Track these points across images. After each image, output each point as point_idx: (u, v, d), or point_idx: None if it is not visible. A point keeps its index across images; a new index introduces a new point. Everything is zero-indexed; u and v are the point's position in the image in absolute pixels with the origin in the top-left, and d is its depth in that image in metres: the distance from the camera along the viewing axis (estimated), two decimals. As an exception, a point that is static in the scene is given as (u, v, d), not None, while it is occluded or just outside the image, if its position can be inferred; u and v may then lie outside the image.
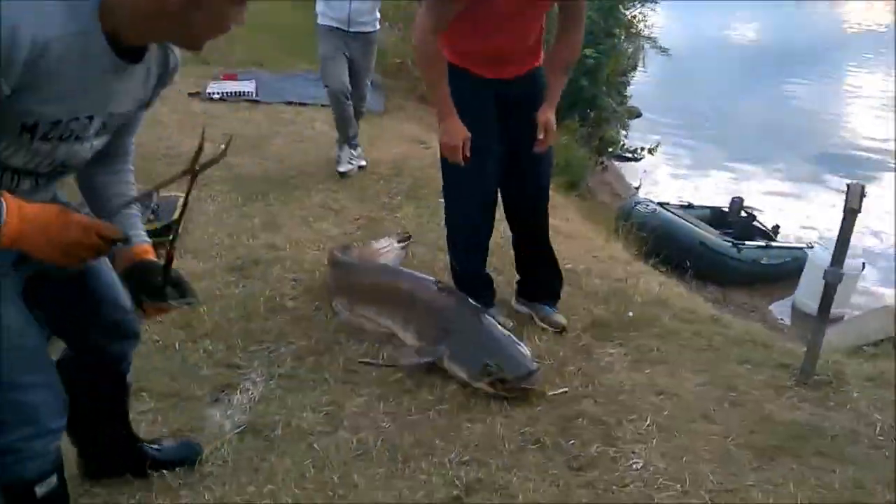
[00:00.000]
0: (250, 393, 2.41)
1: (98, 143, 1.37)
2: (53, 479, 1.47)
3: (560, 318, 2.89)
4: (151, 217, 3.50)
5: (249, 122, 5.67)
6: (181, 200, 3.76)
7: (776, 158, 11.59)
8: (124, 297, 1.66)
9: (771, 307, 6.52)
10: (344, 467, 2.08)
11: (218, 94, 6.32)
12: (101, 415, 1.81)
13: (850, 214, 2.46)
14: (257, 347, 2.65)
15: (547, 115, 2.61)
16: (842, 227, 2.49)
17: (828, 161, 11.57)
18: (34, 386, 1.40)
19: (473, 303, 2.71)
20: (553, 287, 2.96)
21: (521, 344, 2.54)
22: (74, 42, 1.17)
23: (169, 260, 1.44)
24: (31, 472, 1.42)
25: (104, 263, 1.60)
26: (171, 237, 1.52)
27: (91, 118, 1.29)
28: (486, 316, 2.66)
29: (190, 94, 6.33)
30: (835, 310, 6.26)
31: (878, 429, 2.38)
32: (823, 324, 2.61)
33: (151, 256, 1.53)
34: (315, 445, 2.17)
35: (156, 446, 2.02)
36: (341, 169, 4.54)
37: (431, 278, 2.90)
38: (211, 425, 2.24)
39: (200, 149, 1.36)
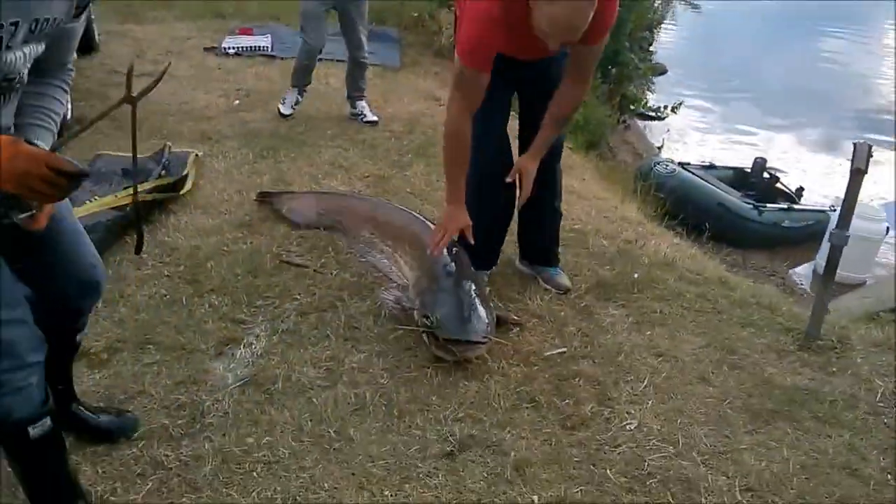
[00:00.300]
0: (253, 347, 2.45)
1: (29, 51, 1.34)
2: (47, 422, 1.51)
3: (564, 280, 2.88)
4: (163, 173, 3.54)
5: (263, 77, 5.65)
6: (191, 157, 3.77)
7: (806, 119, 11.31)
8: (94, 251, 1.70)
9: (791, 272, 6.42)
10: (341, 421, 2.13)
11: (233, 48, 6.28)
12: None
13: (856, 175, 2.42)
14: (262, 303, 2.68)
15: (526, 163, 2.55)
16: (848, 188, 2.45)
17: (859, 123, 11.25)
18: (10, 322, 1.42)
19: (464, 260, 2.66)
20: (552, 253, 2.95)
21: (483, 314, 2.40)
22: None
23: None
24: (18, 411, 1.46)
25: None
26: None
27: (16, 24, 1.26)
28: (468, 277, 2.58)
29: (205, 49, 6.31)
30: (856, 275, 6.30)
31: (878, 395, 2.37)
32: (828, 287, 2.59)
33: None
34: (314, 399, 2.21)
35: (94, 415, 2.01)
36: (284, 111, 4.69)
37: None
38: (214, 378, 2.29)
39: (130, 74, 1.34)
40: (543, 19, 2.07)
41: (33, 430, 1.48)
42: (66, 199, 1.51)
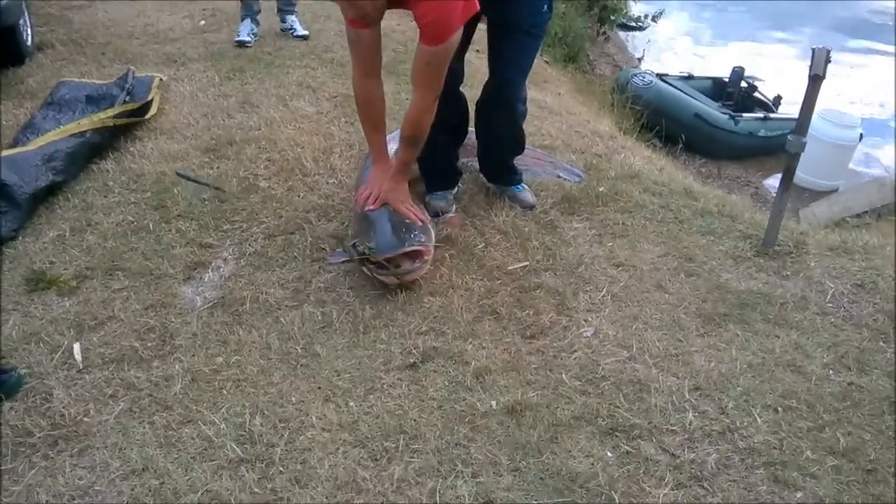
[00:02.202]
0: (221, 270, 2.49)
1: None
2: None
3: (528, 197, 2.91)
4: (127, 98, 3.49)
5: (230, -4, 5.49)
6: (156, 81, 3.72)
7: (795, 26, 11.11)
8: None
9: (765, 181, 6.47)
10: (307, 338, 2.20)
11: (198, -34, 6.07)
12: None
13: (814, 81, 2.42)
14: (229, 227, 2.71)
15: (386, 190, 2.45)
16: (806, 95, 2.46)
17: (850, 28, 11.09)
18: None
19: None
20: (514, 171, 2.94)
21: (416, 227, 2.40)
22: None
23: None
24: None
25: None
26: None
27: None
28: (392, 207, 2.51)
29: (169, -32, 6.11)
30: (829, 182, 6.35)
31: (828, 296, 2.45)
32: (785, 193, 2.63)
33: None
34: (281, 319, 2.27)
35: None
36: (243, 39, 4.50)
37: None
38: (182, 301, 2.34)
39: None
40: None
41: None
42: None
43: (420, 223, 2.44)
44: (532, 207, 2.88)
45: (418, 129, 2.37)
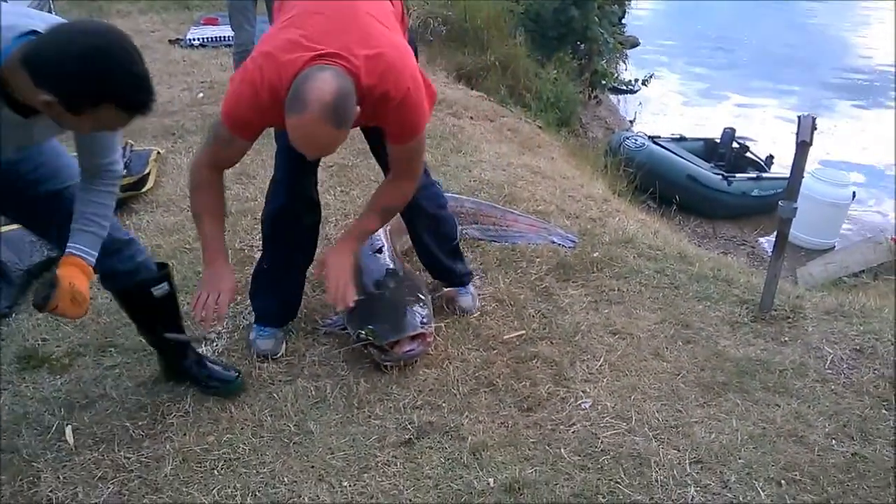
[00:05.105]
0: (215, 345, 2.47)
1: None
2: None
3: (466, 302, 2.64)
4: (124, 172, 3.52)
5: (228, 68, 5.58)
6: (153, 154, 3.77)
7: (784, 86, 11.34)
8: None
9: (761, 240, 6.51)
10: (301, 415, 2.16)
11: (198, 40, 6.23)
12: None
13: (802, 147, 2.45)
14: (224, 300, 2.69)
15: (328, 255, 2.12)
16: (794, 161, 2.48)
17: (838, 87, 11.33)
18: None
19: (388, 264, 2.59)
20: (454, 273, 2.65)
21: (417, 307, 2.36)
22: None
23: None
24: None
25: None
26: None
27: None
28: (392, 277, 2.52)
29: (170, 42, 6.26)
30: (825, 240, 6.38)
31: (827, 362, 2.43)
32: (779, 259, 2.63)
33: (64, 267, 1.71)
34: (274, 395, 2.24)
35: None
36: None
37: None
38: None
39: None
40: (289, 131, 1.76)
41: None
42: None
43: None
44: (467, 312, 2.62)
45: (399, 204, 2.17)
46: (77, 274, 1.69)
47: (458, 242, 2.65)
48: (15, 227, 2.85)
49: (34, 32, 1.40)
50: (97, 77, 1.35)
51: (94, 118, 1.41)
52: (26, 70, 1.36)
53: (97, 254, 1.74)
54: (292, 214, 2.29)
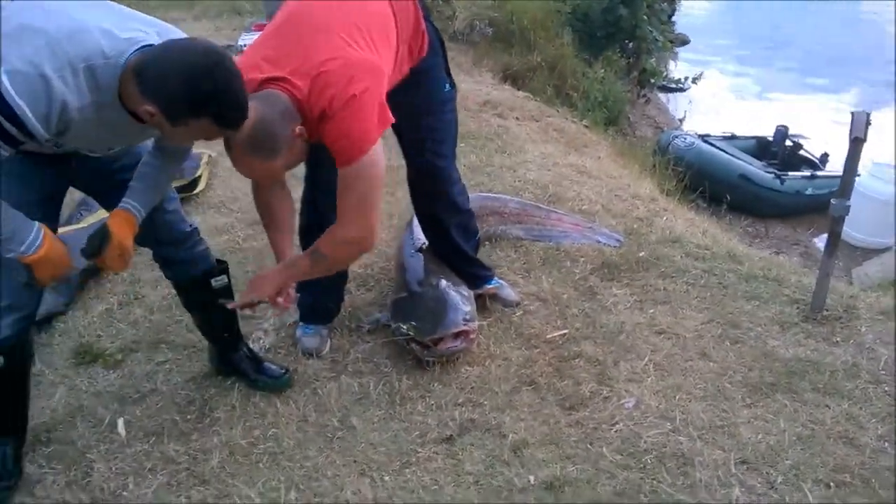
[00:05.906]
0: (262, 342, 2.52)
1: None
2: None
3: (509, 294, 2.70)
4: (177, 174, 3.62)
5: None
6: (204, 157, 3.87)
7: (840, 84, 11.04)
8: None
9: (814, 239, 6.34)
10: (344, 410, 2.19)
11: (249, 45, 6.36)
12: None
13: (856, 144, 2.38)
14: (270, 298, 2.75)
15: (254, 278, 2.09)
16: (848, 158, 2.42)
17: (893, 84, 10.95)
18: None
19: (431, 262, 2.59)
20: (480, 273, 2.67)
21: (458, 303, 2.36)
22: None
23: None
24: None
25: None
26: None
27: None
28: (435, 273, 2.52)
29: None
30: (881, 239, 6.16)
31: (881, 363, 2.36)
32: (831, 258, 2.56)
33: (116, 219, 1.78)
34: (319, 391, 2.28)
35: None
36: None
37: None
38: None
39: None
40: None
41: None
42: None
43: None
44: (512, 304, 2.67)
45: (333, 253, 1.98)
46: (125, 229, 1.76)
47: (479, 238, 2.72)
48: (72, 228, 2.96)
49: (149, 46, 1.53)
50: (200, 94, 1.46)
51: (190, 129, 1.52)
52: (136, 80, 1.49)
53: (146, 212, 1.82)
54: (318, 230, 2.17)
